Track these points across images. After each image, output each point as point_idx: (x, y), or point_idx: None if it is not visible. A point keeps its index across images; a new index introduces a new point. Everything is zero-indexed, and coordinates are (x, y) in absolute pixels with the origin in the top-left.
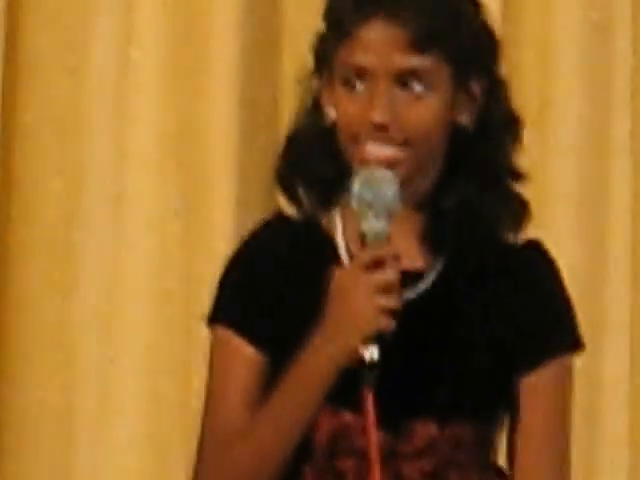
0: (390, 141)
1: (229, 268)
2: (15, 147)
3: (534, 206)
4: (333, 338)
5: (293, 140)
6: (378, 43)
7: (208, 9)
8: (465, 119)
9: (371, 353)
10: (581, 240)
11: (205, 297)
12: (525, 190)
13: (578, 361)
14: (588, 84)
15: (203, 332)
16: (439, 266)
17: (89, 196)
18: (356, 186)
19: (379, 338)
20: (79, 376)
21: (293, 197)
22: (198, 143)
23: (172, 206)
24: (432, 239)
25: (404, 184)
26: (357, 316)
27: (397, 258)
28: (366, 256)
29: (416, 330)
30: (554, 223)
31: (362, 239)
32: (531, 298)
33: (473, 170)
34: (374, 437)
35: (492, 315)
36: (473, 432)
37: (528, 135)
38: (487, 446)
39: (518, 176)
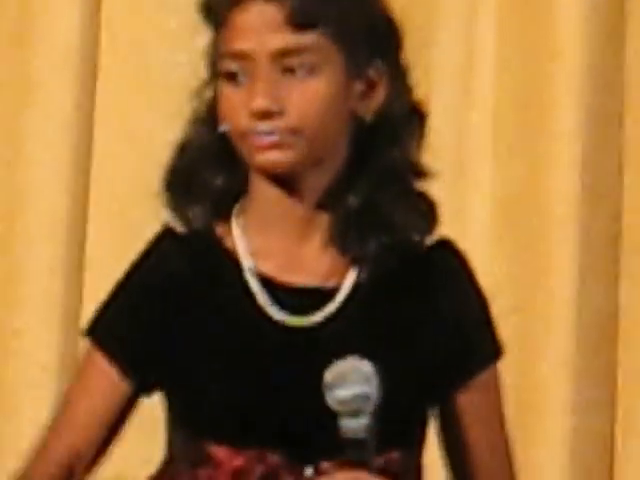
0: (276, 129)
1: (120, 286)
2: None
3: None
4: None
5: (183, 151)
6: (254, 25)
7: (550, 75)
8: (363, 109)
9: None
10: None
11: None
12: None
13: None
14: None
15: None
16: (350, 280)
17: None
18: (329, 382)
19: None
20: None
21: (180, 210)
22: (536, 209)
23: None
24: (338, 244)
25: (299, 175)
26: None
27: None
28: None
29: (327, 356)
30: None
31: (342, 436)
32: (451, 309)
33: (373, 167)
34: None
35: (412, 333)
36: (401, 459)
37: None
38: (415, 472)
39: (422, 174)
